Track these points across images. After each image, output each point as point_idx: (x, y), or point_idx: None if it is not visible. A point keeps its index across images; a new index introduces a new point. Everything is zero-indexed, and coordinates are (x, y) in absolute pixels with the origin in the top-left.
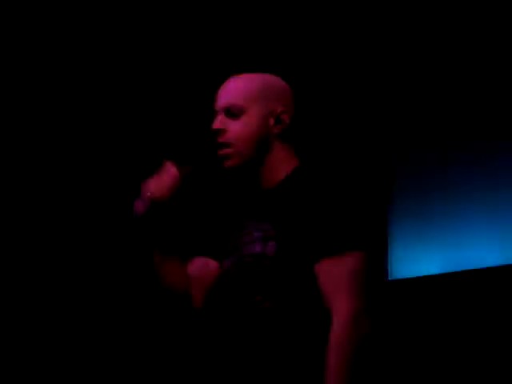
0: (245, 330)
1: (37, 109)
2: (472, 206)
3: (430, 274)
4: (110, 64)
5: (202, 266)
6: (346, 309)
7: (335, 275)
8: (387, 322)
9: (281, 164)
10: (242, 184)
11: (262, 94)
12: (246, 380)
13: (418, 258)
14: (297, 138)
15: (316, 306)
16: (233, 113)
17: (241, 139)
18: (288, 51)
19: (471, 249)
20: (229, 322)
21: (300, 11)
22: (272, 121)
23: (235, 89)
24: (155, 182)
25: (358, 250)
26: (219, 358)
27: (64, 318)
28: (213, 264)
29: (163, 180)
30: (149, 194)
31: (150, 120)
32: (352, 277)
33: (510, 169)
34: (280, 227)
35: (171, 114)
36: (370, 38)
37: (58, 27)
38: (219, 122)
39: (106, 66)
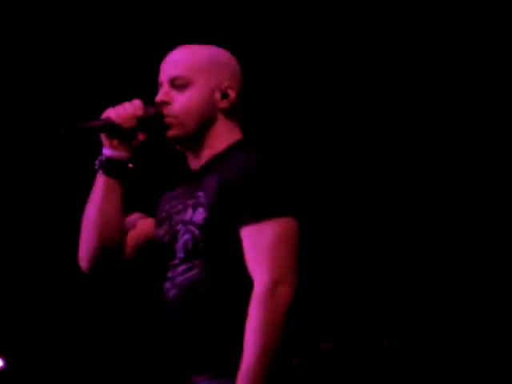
0: (175, 297)
1: (37, 109)
2: None
3: None
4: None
5: (138, 218)
6: (263, 279)
7: (255, 243)
8: None
9: (222, 138)
10: (184, 155)
11: (208, 66)
12: (183, 346)
13: None
14: (246, 116)
15: (243, 273)
16: (178, 84)
17: (185, 111)
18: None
19: None
20: (165, 290)
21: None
22: (218, 95)
23: (181, 60)
24: (117, 108)
25: (279, 215)
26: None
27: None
28: (149, 220)
29: (125, 108)
30: (109, 115)
31: None
32: (271, 245)
33: None
34: (210, 195)
35: None
36: None
37: (58, 27)
38: (163, 93)
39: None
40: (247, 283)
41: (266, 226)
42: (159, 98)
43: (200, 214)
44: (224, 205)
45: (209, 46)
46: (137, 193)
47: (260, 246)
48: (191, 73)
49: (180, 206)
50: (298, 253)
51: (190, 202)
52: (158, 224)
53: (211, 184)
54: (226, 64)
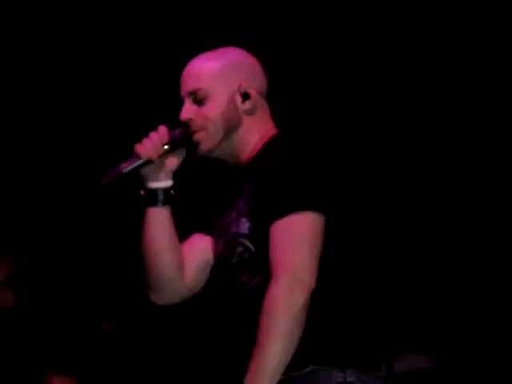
0: (233, 312)
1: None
2: None
3: None
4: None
5: (196, 239)
6: (279, 277)
7: (277, 239)
8: None
9: (253, 138)
10: (223, 165)
11: (223, 72)
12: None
13: None
14: (278, 108)
15: None
16: (198, 99)
17: (209, 123)
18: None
19: None
20: (223, 306)
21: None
22: (239, 98)
23: (196, 73)
24: (144, 142)
25: (304, 210)
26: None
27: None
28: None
29: (151, 140)
30: (137, 152)
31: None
32: (292, 242)
33: None
34: (247, 202)
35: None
36: None
37: (58, 27)
38: (186, 111)
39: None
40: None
41: (290, 222)
42: (183, 116)
43: (244, 225)
44: (262, 209)
45: (220, 51)
46: (190, 213)
47: (282, 242)
48: (208, 84)
49: (229, 219)
50: (319, 250)
51: (235, 213)
52: (216, 240)
53: (247, 190)
54: (240, 64)
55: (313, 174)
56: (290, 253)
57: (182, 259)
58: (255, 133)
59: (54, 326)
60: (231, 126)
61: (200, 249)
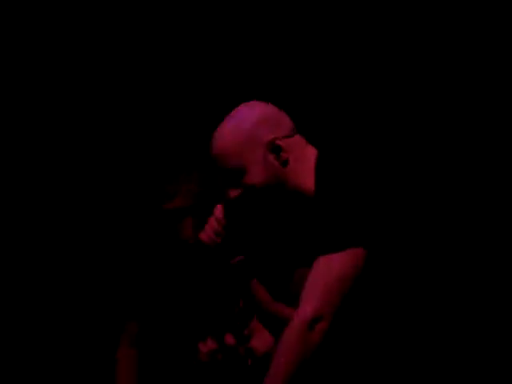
0: None
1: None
2: None
3: None
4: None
5: None
6: (300, 314)
7: (309, 278)
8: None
9: (302, 182)
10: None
11: (248, 139)
12: None
13: None
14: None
15: None
16: (234, 176)
17: (258, 189)
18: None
19: None
20: None
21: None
22: (271, 156)
23: (222, 152)
24: (207, 231)
25: (333, 252)
26: None
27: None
28: None
29: (212, 225)
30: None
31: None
32: (317, 282)
33: None
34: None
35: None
36: None
37: (58, 27)
38: (231, 194)
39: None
40: None
41: (322, 260)
42: (230, 197)
43: None
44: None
45: (232, 117)
46: None
47: (310, 279)
48: (239, 159)
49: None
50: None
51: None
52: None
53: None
54: (257, 121)
55: (359, 204)
56: (313, 295)
57: None
58: (301, 177)
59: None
60: (278, 187)
61: None
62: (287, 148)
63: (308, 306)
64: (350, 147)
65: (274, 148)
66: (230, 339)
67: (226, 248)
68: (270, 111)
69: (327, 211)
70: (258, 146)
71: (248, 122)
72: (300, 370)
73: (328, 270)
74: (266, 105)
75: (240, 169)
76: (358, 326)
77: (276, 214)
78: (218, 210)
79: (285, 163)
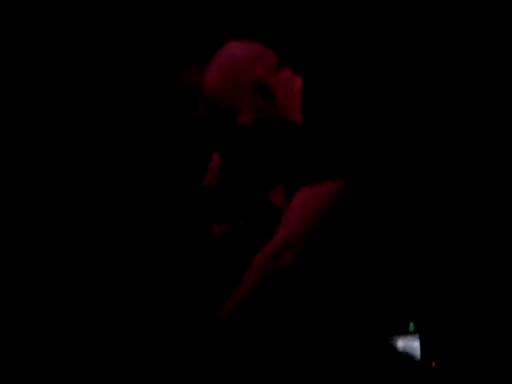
0: None
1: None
2: None
3: None
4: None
5: None
6: (277, 237)
7: (289, 205)
8: None
9: (291, 120)
10: None
11: (235, 81)
12: None
13: None
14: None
15: None
16: (227, 117)
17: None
18: None
19: None
20: None
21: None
22: (258, 96)
23: (213, 95)
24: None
25: (314, 183)
26: None
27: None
28: None
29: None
30: None
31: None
32: (296, 208)
33: None
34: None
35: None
36: None
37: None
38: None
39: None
40: None
41: (303, 192)
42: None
43: None
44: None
45: (218, 59)
46: None
47: (291, 205)
48: (228, 101)
49: None
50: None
51: None
52: None
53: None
54: (244, 61)
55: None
56: (290, 221)
57: None
58: (290, 110)
59: None
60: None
61: None
62: (274, 85)
63: (280, 233)
64: (336, 76)
65: (261, 87)
66: (242, 223)
67: (227, 191)
68: (254, 50)
69: (312, 143)
70: (245, 87)
71: (234, 64)
72: (257, 293)
73: (304, 202)
74: (251, 44)
75: (231, 110)
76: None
77: (268, 149)
78: (215, 157)
79: (272, 101)
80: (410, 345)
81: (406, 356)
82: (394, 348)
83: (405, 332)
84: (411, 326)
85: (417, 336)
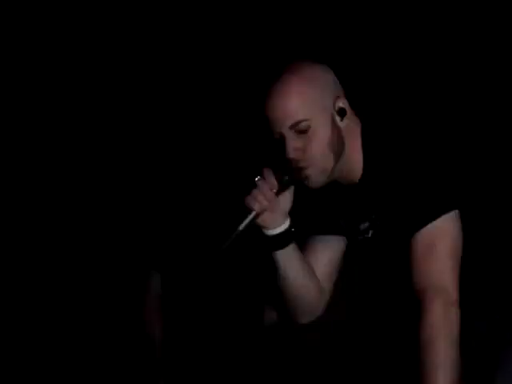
0: None
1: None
2: None
3: None
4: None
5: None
6: (432, 303)
7: (420, 253)
8: None
9: (358, 151)
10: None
11: (316, 95)
12: None
13: None
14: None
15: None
16: (300, 130)
17: (322, 157)
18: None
19: None
20: None
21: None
22: (337, 117)
23: (290, 103)
24: (256, 196)
25: (441, 215)
26: None
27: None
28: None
29: (263, 192)
30: (250, 206)
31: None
32: (437, 260)
33: None
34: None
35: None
36: None
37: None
38: (293, 149)
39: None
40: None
41: (430, 234)
42: (291, 155)
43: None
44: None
45: (302, 71)
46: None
47: (426, 259)
48: (307, 113)
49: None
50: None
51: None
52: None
53: (370, 205)
54: (325, 78)
55: (434, 172)
56: (438, 273)
57: (319, 280)
58: (357, 143)
59: None
60: (339, 152)
61: (327, 256)
62: (348, 112)
63: (432, 293)
64: (392, 116)
65: (341, 110)
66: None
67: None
68: (329, 70)
69: (400, 188)
70: (327, 102)
71: (320, 69)
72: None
73: (435, 243)
74: (323, 65)
75: (308, 123)
76: None
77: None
78: (268, 172)
79: (346, 126)
80: None
81: None
82: None
83: None
84: None
85: None
